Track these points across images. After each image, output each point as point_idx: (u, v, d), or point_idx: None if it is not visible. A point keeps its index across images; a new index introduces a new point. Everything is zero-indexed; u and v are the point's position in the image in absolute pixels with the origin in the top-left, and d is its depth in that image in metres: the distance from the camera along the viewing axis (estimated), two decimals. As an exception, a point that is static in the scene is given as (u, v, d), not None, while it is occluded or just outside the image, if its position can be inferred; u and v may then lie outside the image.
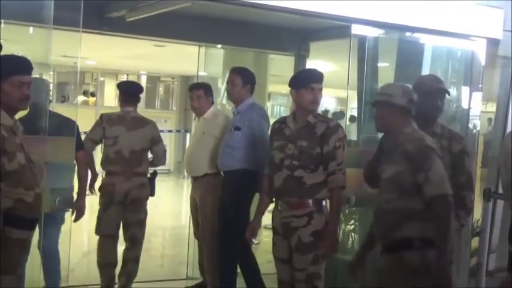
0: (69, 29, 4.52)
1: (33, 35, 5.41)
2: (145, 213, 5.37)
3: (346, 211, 6.77)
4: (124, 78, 21.15)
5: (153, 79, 20.42)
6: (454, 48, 6.07)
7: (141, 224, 5.34)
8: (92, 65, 16.18)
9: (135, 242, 5.35)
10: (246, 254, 5.12)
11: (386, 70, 6.43)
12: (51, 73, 10.95)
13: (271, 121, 4.86)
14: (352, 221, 6.91)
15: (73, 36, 4.62)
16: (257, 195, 4.62)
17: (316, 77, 4.02)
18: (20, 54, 3.62)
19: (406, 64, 6.11)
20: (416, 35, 5.82)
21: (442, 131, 3.88)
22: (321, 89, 4.01)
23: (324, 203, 3.97)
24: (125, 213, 5.25)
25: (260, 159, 4.68)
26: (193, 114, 5.89)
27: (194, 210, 5.60)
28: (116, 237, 5.40)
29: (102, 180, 5.35)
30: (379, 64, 6.08)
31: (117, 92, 5.43)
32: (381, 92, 3.54)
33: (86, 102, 17.82)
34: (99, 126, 5.27)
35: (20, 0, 4.29)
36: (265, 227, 5.58)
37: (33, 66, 3.21)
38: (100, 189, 5.32)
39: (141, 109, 16.07)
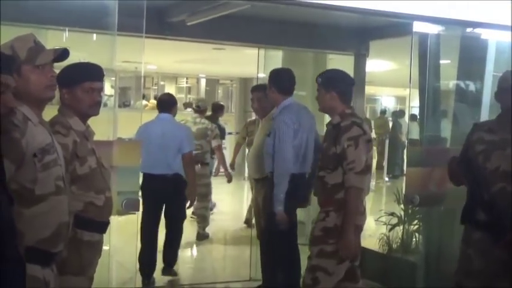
0: (132, 34, 4.60)
1: (96, 42, 5.53)
2: None
3: (409, 211, 6.70)
4: (183, 82, 21.45)
5: (212, 82, 20.59)
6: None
7: None
8: (153, 69, 16.43)
9: None
10: (290, 254, 5.12)
11: (448, 67, 6.33)
12: (113, 78, 11.13)
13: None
14: (416, 221, 6.83)
15: (136, 41, 4.70)
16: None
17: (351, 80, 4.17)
18: (85, 61, 3.71)
19: (469, 60, 6.00)
20: (478, 30, 5.70)
21: None
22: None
23: None
24: None
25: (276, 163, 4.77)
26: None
27: (257, 212, 5.62)
28: None
29: None
30: (441, 61, 5.98)
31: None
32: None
33: (145, 106, 18.12)
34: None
35: (84, 8, 4.39)
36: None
37: (104, 73, 3.30)
38: None
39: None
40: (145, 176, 5.83)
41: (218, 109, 9.72)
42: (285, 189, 4.74)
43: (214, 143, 8.01)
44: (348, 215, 3.90)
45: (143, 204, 5.64)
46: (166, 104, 6.22)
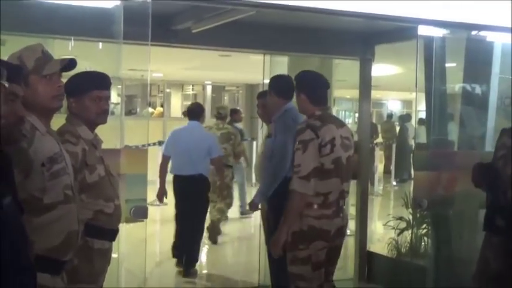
0: (138, 42, 4.62)
1: (103, 50, 5.55)
2: None
3: (418, 215, 6.69)
4: (189, 89, 21.50)
5: (218, 88, 20.62)
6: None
7: None
8: (159, 77, 16.47)
9: None
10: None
11: (454, 70, 6.33)
12: (120, 86, 11.18)
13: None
14: (424, 225, 6.82)
15: (142, 49, 4.71)
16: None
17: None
18: (91, 69, 3.73)
19: (475, 63, 5.99)
20: (484, 33, 5.70)
21: None
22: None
23: (314, 206, 3.96)
24: None
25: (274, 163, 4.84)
26: (260, 123, 6.00)
27: (265, 217, 5.62)
28: None
29: None
30: (447, 64, 5.98)
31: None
32: None
33: (151, 114, 18.17)
34: None
35: (90, 17, 4.41)
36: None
37: (112, 82, 3.31)
38: None
39: (207, 118, 16.19)
40: (174, 176, 6.70)
41: (234, 114, 10.47)
42: (273, 189, 4.83)
43: (238, 148, 8.77)
44: (284, 217, 3.97)
45: (175, 201, 6.80)
46: (195, 112, 7.00)
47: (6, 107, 2.05)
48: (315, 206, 3.94)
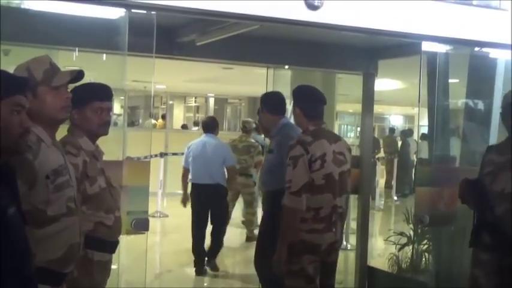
0: (142, 54, 4.62)
1: (106, 61, 5.56)
2: None
3: (419, 231, 6.67)
4: (192, 101, 21.55)
5: (221, 101, 20.67)
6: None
7: None
8: (162, 89, 16.50)
9: None
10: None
11: (457, 86, 6.33)
12: (122, 98, 11.21)
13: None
14: (426, 241, 6.80)
15: (146, 61, 4.72)
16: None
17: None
18: (95, 81, 3.73)
19: (478, 80, 6.00)
20: (487, 49, 5.71)
21: None
22: None
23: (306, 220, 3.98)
24: None
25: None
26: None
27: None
28: None
29: None
30: (450, 80, 5.98)
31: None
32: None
33: (154, 126, 18.19)
34: None
35: (95, 29, 4.41)
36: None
37: (113, 93, 3.31)
38: None
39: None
40: (193, 185, 7.28)
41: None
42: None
43: (256, 159, 9.06)
44: (281, 233, 3.99)
45: (192, 208, 7.31)
46: (210, 126, 7.61)
47: (13, 119, 2.05)
48: (306, 221, 3.97)
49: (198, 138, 7.62)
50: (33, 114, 2.38)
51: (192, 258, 7.37)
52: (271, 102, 5.15)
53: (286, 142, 4.75)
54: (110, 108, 3.32)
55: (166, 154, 12.65)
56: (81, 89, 3.22)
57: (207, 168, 7.24)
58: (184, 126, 19.58)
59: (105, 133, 3.29)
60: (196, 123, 19.82)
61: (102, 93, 3.28)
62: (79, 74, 2.71)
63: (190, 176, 7.37)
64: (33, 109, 2.34)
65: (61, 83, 2.65)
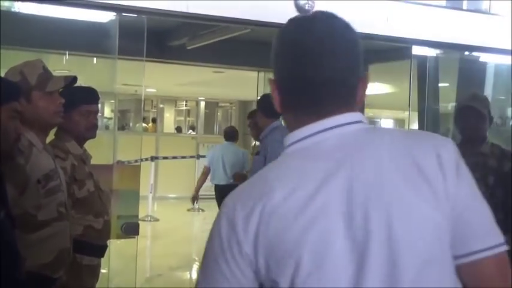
0: (132, 58, 4.62)
1: (97, 65, 5.54)
2: None
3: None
4: (183, 104, 21.50)
5: (212, 105, 20.60)
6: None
7: None
8: (152, 92, 16.45)
9: None
10: None
11: (447, 90, 6.34)
12: (112, 101, 11.18)
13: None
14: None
15: (136, 65, 4.71)
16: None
17: None
18: (85, 84, 3.72)
19: (467, 83, 6.02)
20: (477, 53, 5.73)
21: (491, 150, 3.79)
22: None
23: None
24: None
25: None
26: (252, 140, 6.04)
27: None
28: None
29: None
30: (440, 84, 6.00)
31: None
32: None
33: (145, 129, 18.11)
34: None
35: (85, 33, 4.40)
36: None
37: (100, 96, 3.30)
38: None
39: (200, 135, 16.19)
40: (215, 186, 7.89)
41: None
42: None
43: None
44: None
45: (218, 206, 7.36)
46: (230, 134, 8.15)
47: (10, 124, 2.05)
48: None
49: (220, 144, 8.26)
50: (26, 119, 2.36)
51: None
52: (267, 104, 5.16)
53: (270, 145, 4.84)
54: (97, 111, 3.29)
55: (157, 158, 12.61)
56: (68, 93, 3.19)
57: (227, 171, 7.82)
58: (178, 129, 19.51)
59: (93, 136, 3.26)
60: (192, 128, 19.83)
61: (89, 97, 3.26)
62: (73, 80, 2.70)
63: (211, 177, 8.01)
64: (26, 114, 2.33)
65: (55, 89, 2.63)
